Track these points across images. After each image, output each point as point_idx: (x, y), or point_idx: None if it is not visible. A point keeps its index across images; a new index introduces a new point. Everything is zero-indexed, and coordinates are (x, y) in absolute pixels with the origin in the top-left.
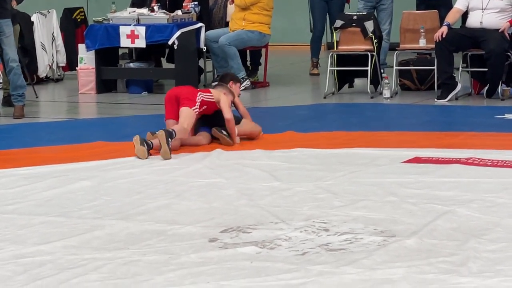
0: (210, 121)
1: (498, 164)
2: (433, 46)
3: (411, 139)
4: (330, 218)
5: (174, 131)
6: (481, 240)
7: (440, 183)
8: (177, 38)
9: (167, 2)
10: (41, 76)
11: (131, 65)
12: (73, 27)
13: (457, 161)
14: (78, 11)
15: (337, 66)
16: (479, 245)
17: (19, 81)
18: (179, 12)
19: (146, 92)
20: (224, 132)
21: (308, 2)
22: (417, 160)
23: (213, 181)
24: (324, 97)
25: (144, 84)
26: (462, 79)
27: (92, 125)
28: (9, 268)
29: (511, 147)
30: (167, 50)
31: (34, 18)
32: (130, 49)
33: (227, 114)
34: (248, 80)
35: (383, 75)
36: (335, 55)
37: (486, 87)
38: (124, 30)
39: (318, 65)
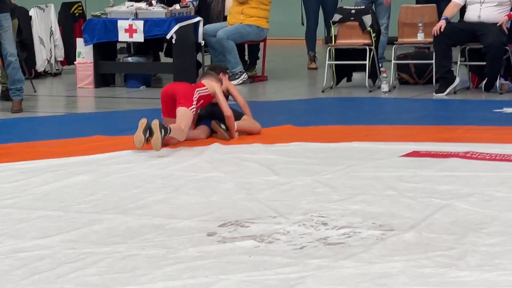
0: (211, 114)
1: (497, 158)
2: (431, 40)
3: (409, 133)
4: (328, 212)
5: (170, 128)
6: (480, 234)
7: (438, 177)
8: (175, 32)
9: None
10: (39, 71)
11: (129, 59)
12: (71, 21)
13: (456, 155)
14: (76, 5)
15: (335, 60)
16: (477, 239)
17: (17, 76)
18: (177, 6)
19: (144, 87)
20: (223, 126)
21: None
22: (415, 154)
23: (211, 175)
24: (322, 91)
25: (142, 79)
26: (461, 73)
27: (90, 120)
28: (7, 262)
29: (509, 141)
30: (165, 44)
31: (32, 12)
32: (128, 43)
33: (227, 111)
34: (246, 74)
35: (381, 69)
36: (333, 49)
37: (484, 81)
38: (122, 25)
39: (316, 59)
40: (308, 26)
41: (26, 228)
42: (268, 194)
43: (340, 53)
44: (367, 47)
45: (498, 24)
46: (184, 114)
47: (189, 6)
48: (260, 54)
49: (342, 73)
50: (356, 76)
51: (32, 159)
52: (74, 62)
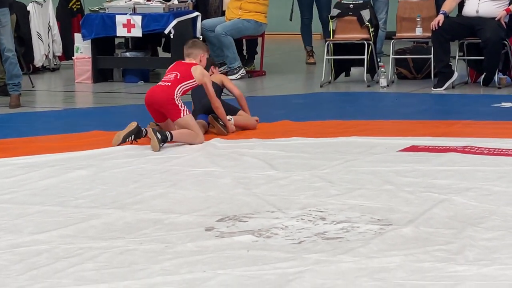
0: (207, 109)
1: (495, 152)
2: (429, 34)
3: (407, 127)
4: (326, 207)
5: (171, 134)
6: (478, 228)
7: (436, 172)
8: (174, 27)
9: None
10: (37, 66)
11: (127, 54)
12: (69, 16)
13: (454, 150)
14: (74, 0)
15: (333, 55)
16: (475, 233)
17: (15, 71)
18: (175, 1)
19: (142, 82)
20: (221, 122)
21: None
22: (413, 148)
23: (209, 170)
24: (321, 86)
25: (141, 74)
26: (459, 67)
27: (88, 115)
28: (5, 257)
29: (507, 135)
30: (163, 39)
31: (30, 7)
32: (126, 38)
33: (215, 102)
34: (244, 69)
35: (379, 63)
36: (332, 44)
37: (483, 76)
38: (120, 19)
39: (313, 54)
40: (303, 21)
41: (24, 223)
42: (266, 188)
43: (339, 48)
44: (366, 42)
45: (496, 19)
46: (186, 123)
47: (187, 1)
48: (259, 49)
49: (340, 68)
50: (354, 71)
51: (30, 154)
52: (72, 57)
